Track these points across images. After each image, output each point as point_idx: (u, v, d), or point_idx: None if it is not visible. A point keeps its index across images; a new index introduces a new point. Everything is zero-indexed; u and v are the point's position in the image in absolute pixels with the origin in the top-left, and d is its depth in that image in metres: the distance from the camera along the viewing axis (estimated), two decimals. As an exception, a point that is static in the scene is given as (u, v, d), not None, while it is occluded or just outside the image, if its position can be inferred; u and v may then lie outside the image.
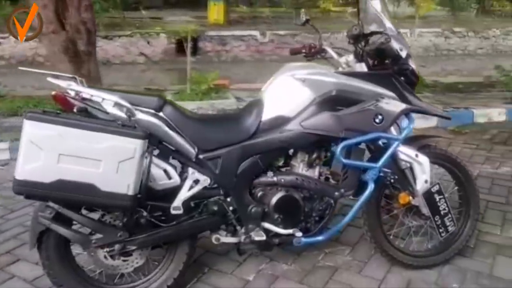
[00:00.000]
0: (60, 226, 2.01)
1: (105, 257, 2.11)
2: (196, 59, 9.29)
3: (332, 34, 9.96)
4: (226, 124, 2.21)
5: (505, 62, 7.12)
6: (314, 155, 2.25)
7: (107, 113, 1.98)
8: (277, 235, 2.22)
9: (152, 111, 2.05)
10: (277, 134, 2.16)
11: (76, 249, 2.18)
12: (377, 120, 2.16)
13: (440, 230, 2.45)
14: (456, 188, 2.55)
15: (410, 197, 2.33)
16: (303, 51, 2.52)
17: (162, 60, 10.09)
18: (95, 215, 2.09)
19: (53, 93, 1.99)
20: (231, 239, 2.25)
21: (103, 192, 1.84)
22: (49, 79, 1.99)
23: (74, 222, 2.04)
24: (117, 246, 2.05)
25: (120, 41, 9.99)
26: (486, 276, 2.43)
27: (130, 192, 1.87)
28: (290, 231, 2.22)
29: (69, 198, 1.87)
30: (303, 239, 2.25)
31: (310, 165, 2.28)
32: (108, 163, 1.83)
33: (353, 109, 2.16)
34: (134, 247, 2.09)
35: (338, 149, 2.14)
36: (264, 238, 2.17)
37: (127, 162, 1.84)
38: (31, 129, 1.77)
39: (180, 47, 9.38)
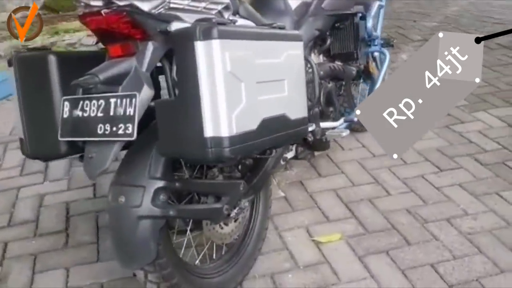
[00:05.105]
0: (188, 207, 1.36)
1: (220, 226, 1.55)
2: None
3: None
4: (283, 20, 1.82)
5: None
6: (327, 42, 2.16)
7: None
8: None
9: (229, 12, 1.50)
10: (310, 22, 1.97)
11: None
12: None
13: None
14: None
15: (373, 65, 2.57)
16: None
17: None
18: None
19: (105, 11, 1.17)
20: (291, 153, 2.00)
21: (293, 121, 1.36)
22: None
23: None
24: (243, 203, 1.53)
25: None
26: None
27: (306, 114, 1.43)
28: (341, 121, 2.14)
29: (267, 144, 1.29)
30: (344, 124, 2.20)
31: (320, 54, 2.18)
32: (290, 80, 1.33)
33: None
34: (252, 197, 1.60)
35: (369, 23, 2.12)
36: (331, 136, 2.02)
37: (300, 74, 1.37)
38: (226, 52, 1.06)
39: None
